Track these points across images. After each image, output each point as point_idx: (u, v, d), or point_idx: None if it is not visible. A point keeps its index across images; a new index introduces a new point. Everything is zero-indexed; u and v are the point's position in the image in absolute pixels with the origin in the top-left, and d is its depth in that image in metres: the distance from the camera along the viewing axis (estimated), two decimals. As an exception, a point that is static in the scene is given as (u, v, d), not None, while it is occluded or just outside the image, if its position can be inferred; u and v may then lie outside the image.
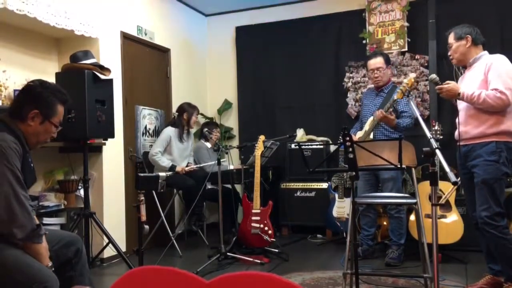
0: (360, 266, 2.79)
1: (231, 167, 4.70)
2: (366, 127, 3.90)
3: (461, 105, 3.01)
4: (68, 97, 2.20)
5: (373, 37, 5.11)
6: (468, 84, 2.97)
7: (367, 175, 3.96)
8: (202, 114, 5.51)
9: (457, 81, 3.17)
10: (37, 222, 1.97)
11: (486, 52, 3.03)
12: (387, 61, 4.02)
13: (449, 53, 3.13)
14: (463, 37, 3.01)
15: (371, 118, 3.85)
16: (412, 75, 3.56)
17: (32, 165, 2.13)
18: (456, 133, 3.04)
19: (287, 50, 5.59)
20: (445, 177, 3.47)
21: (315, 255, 4.26)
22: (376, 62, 3.96)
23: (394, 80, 4.57)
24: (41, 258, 1.96)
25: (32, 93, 2.10)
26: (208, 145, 4.97)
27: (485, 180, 2.83)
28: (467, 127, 2.94)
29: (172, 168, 4.43)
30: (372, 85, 4.21)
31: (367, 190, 3.94)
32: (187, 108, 4.71)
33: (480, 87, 2.87)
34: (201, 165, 4.77)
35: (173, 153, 4.60)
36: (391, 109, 3.74)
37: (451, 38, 3.08)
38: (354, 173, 2.37)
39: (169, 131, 4.62)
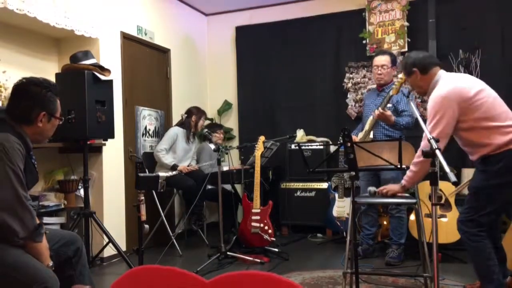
0: (360, 265, 2.79)
1: (225, 168, 4.70)
2: (366, 126, 3.91)
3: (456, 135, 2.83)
4: (56, 86, 2.21)
5: (373, 37, 5.11)
6: None
7: (369, 175, 3.96)
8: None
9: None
10: (38, 221, 1.98)
11: (441, 73, 2.76)
12: (393, 61, 4.02)
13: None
14: (412, 71, 2.80)
15: (371, 117, 3.86)
16: None
17: (35, 165, 2.15)
18: None
19: (287, 50, 5.59)
20: (445, 177, 3.47)
21: (315, 254, 4.26)
22: (382, 59, 3.96)
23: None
24: (41, 257, 1.96)
25: (34, 96, 2.09)
26: (212, 146, 4.98)
27: (470, 187, 2.77)
28: (469, 155, 2.80)
29: (174, 167, 4.47)
30: (373, 86, 4.20)
31: (369, 191, 3.94)
32: (196, 112, 4.84)
33: None
34: (202, 164, 4.79)
35: (178, 152, 4.66)
36: (388, 105, 3.73)
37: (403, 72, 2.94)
38: (354, 173, 2.37)
39: (177, 130, 4.71)
